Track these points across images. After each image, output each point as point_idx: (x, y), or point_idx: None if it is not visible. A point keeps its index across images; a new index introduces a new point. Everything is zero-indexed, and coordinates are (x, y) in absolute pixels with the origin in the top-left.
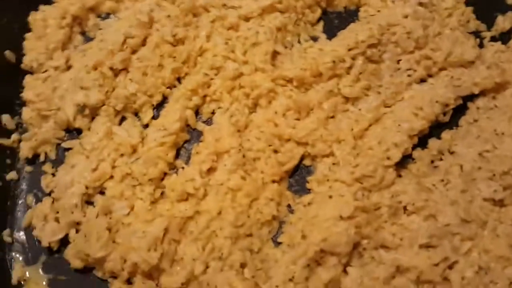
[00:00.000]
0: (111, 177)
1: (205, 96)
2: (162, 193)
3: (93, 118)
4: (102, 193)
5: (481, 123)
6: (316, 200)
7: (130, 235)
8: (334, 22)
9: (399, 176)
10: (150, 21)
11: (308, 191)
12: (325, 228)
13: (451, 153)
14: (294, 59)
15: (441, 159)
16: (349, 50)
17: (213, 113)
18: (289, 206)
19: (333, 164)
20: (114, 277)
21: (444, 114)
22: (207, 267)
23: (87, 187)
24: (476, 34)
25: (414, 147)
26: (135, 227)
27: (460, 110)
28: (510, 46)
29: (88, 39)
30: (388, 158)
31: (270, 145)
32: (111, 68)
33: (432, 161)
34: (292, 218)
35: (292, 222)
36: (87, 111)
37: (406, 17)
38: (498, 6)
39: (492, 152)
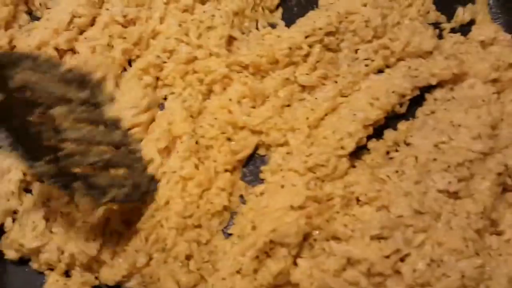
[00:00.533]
0: None
1: (157, 79)
2: None
3: None
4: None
5: (438, 114)
6: (268, 190)
7: (68, 225)
8: (293, 10)
9: (353, 166)
10: (100, 1)
11: (262, 181)
12: (275, 218)
13: (407, 144)
14: (250, 45)
15: (396, 150)
16: (306, 37)
17: (165, 98)
18: (241, 196)
19: (287, 153)
20: (51, 269)
21: (401, 105)
22: (150, 259)
23: (24, 174)
24: (436, 25)
25: (369, 138)
26: (75, 216)
27: (417, 102)
28: (469, 38)
29: (34, 18)
30: (342, 148)
31: (223, 133)
32: (56, 49)
33: (388, 152)
34: (243, 209)
35: (243, 213)
36: None
37: (365, 5)
38: None
39: (447, 143)
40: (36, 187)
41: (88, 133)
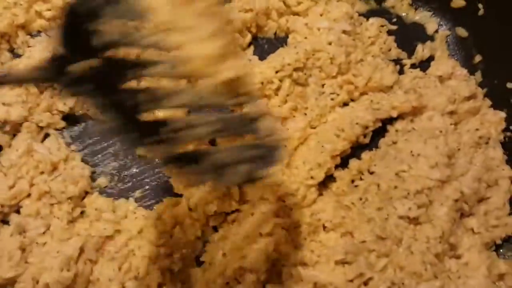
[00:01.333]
0: (28, 195)
1: None
2: (82, 212)
3: (14, 135)
4: (18, 212)
5: (399, 144)
6: (239, 218)
7: (43, 255)
8: (264, 48)
9: (321, 194)
10: None
11: (235, 210)
12: (245, 245)
13: (370, 173)
14: None
15: (361, 179)
16: (277, 72)
17: None
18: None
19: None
20: None
21: (365, 136)
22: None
23: (2, 205)
24: (397, 61)
25: (336, 167)
26: (50, 246)
27: (380, 132)
28: (428, 73)
29: (16, 56)
30: (312, 178)
31: None
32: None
33: (353, 181)
34: (215, 236)
35: (215, 241)
36: (7, 128)
37: (330, 44)
38: (418, 36)
39: (407, 172)
40: (13, 218)
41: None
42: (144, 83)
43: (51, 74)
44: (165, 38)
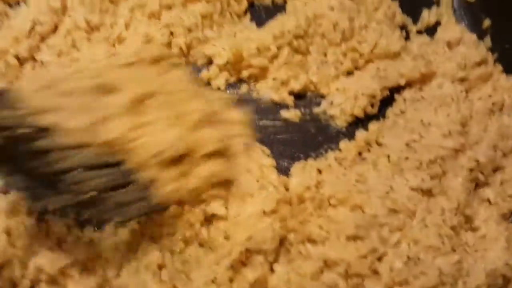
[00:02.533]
0: None
1: None
2: None
3: None
4: None
5: (408, 114)
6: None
7: (32, 238)
8: (262, 15)
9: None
10: (63, 7)
11: None
12: (249, 225)
13: (379, 144)
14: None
15: (368, 151)
16: (275, 39)
17: None
18: None
19: None
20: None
21: (372, 105)
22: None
23: None
24: (403, 27)
25: (341, 138)
26: (40, 228)
27: (387, 102)
28: (436, 39)
29: None
30: None
31: None
32: (16, 57)
33: (360, 153)
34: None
35: (214, 223)
36: None
37: (332, 9)
38: (423, 1)
39: (418, 142)
40: None
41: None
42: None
43: None
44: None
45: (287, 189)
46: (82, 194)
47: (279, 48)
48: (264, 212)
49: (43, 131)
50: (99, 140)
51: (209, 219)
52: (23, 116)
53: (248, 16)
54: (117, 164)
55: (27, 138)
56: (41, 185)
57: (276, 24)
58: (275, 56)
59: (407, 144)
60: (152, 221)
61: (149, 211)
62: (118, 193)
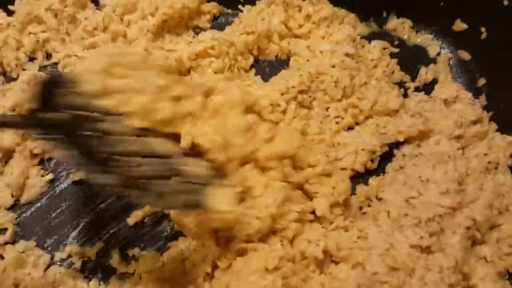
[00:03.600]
0: None
1: None
2: None
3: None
4: None
5: (407, 169)
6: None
7: None
8: (266, 70)
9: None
10: None
11: None
12: (251, 282)
13: (379, 199)
14: None
15: (369, 205)
16: (282, 94)
17: None
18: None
19: None
20: None
21: (372, 161)
22: None
23: None
24: (401, 84)
25: None
26: None
27: (386, 157)
28: (433, 96)
29: (9, 79)
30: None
31: None
32: None
33: (361, 208)
34: (217, 273)
35: (217, 277)
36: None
37: (333, 66)
38: (421, 59)
39: (417, 198)
40: None
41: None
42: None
43: (27, 122)
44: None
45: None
46: (131, 178)
47: (287, 102)
48: (267, 269)
49: (107, 114)
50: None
51: (211, 272)
52: (88, 98)
53: (253, 70)
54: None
55: (92, 119)
56: (94, 161)
57: (281, 80)
58: (284, 111)
59: (407, 201)
60: (153, 274)
61: (192, 207)
62: (163, 182)
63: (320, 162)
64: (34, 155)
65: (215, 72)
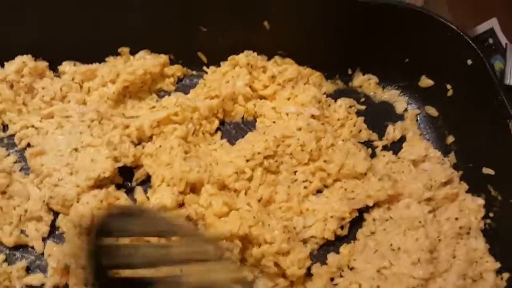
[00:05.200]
0: None
1: None
2: None
3: None
4: None
5: (378, 236)
6: None
7: None
8: (232, 132)
9: None
10: None
11: None
12: None
13: (350, 268)
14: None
15: (341, 275)
16: (247, 161)
17: None
18: None
19: None
20: None
21: (342, 227)
22: None
23: None
24: (368, 143)
25: (313, 262)
26: None
27: (356, 222)
28: (401, 157)
29: None
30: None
31: None
32: None
33: (332, 279)
34: None
35: None
36: None
37: (299, 129)
38: (388, 115)
39: (389, 269)
40: None
41: None
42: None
43: None
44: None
45: None
46: None
47: (252, 169)
48: None
49: None
50: None
51: None
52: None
53: (219, 133)
54: None
55: None
56: None
57: (246, 145)
58: (250, 178)
59: (378, 271)
60: None
61: None
62: None
63: (276, 239)
64: None
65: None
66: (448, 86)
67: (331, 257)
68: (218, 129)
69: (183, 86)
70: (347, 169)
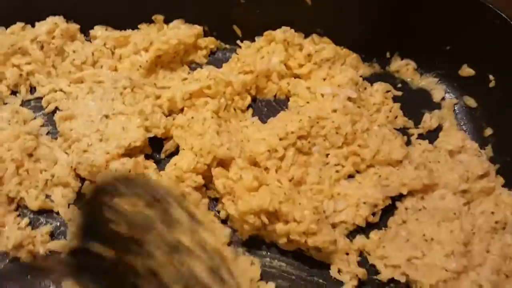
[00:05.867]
0: None
1: None
2: None
3: None
4: None
5: (410, 225)
6: None
7: None
8: (263, 111)
9: None
10: None
11: None
12: None
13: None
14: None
15: (367, 261)
16: (280, 140)
17: None
18: None
19: None
20: None
21: (373, 214)
22: None
23: None
24: (404, 130)
25: None
26: None
27: (388, 210)
28: (437, 146)
29: None
30: None
31: None
32: None
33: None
34: None
35: None
36: None
37: (335, 111)
38: (425, 103)
39: (421, 259)
40: None
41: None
42: None
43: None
44: None
45: None
46: None
47: (285, 148)
48: None
49: None
50: None
51: None
52: None
53: (251, 110)
54: None
55: None
56: None
57: (279, 124)
58: (282, 158)
59: (409, 260)
60: None
61: None
62: None
63: (305, 219)
64: (10, 200)
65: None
66: (491, 77)
67: (360, 239)
68: (249, 106)
69: (215, 59)
70: (383, 155)
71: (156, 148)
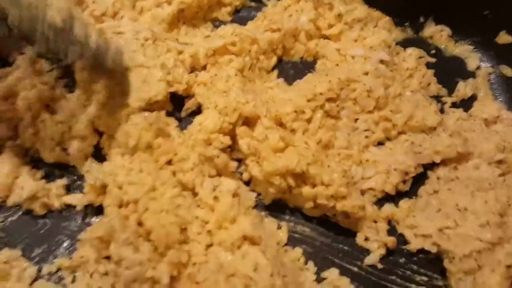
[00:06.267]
0: None
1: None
2: None
3: None
4: None
5: (442, 195)
6: None
7: None
8: (290, 72)
9: None
10: None
11: None
12: None
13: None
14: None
15: (396, 230)
16: (308, 101)
17: None
18: None
19: None
20: None
21: (404, 182)
22: None
23: None
24: (437, 98)
25: None
26: None
27: (419, 179)
28: (472, 115)
29: (5, 63)
30: None
31: None
32: None
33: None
34: None
35: None
36: None
37: (366, 74)
38: (459, 71)
39: (453, 229)
40: None
41: None
42: None
43: None
44: None
45: None
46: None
47: (313, 110)
48: None
49: None
50: None
51: None
52: None
53: (276, 72)
54: None
55: None
56: None
57: (307, 85)
58: (309, 120)
59: (440, 230)
60: None
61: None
62: None
63: (334, 182)
64: (26, 151)
65: (235, 74)
66: None
67: (388, 207)
68: (274, 67)
69: (240, 18)
70: (416, 121)
71: (176, 106)
